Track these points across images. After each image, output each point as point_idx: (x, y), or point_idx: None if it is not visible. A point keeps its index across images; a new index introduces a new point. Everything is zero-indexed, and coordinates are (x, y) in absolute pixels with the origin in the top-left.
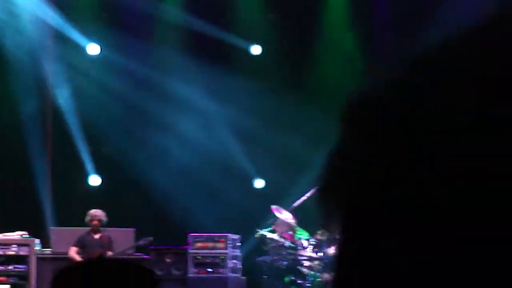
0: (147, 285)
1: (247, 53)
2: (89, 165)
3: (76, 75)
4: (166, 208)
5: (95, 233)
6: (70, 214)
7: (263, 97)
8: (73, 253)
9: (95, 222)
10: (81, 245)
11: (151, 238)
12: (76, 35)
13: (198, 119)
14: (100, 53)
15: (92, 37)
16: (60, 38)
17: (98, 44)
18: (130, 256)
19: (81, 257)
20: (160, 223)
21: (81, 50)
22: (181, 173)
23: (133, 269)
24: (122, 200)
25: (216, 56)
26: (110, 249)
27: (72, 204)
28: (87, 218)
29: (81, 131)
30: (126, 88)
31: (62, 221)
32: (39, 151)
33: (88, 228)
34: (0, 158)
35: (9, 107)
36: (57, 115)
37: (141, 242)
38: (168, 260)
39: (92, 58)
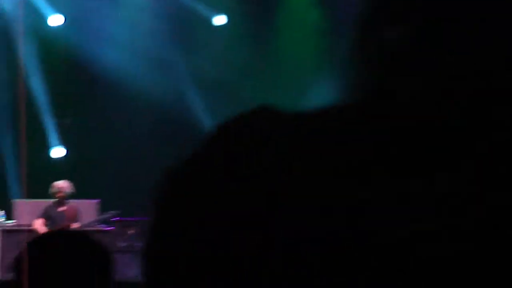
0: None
1: (209, 23)
2: (53, 136)
3: (41, 44)
4: (132, 180)
5: (61, 205)
6: (34, 186)
7: (225, 69)
8: (39, 225)
9: (60, 194)
10: (47, 217)
11: (116, 211)
12: (41, 5)
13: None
14: (65, 22)
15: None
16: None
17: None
18: (94, 228)
19: (47, 229)
20: (126, 195)
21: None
22: (145, 144)
23: (86, 241)
24: (87, 171)
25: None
26: (76, 221)
27: (36, 176)
28: (53, 190)
29: (46, 103)
30: (94, 57)
31: (25, 193)
32: (5, 123)
33: (54, 200)
34: None
35: None
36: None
37: (106, 215)
38: (131, 232)
39: (57, 28)
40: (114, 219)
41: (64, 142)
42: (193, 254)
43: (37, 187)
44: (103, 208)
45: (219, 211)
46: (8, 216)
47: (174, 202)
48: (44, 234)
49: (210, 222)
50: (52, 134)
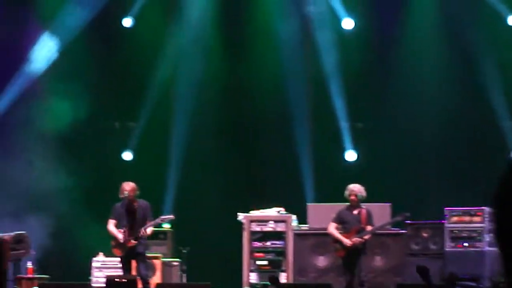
0: None
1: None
2: (346, 140)
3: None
4: (421, 182)
5: (354, 208)
6: (326, 190)
7: None
8: (333, 229)
9: (353, 197)
10: (340, 220)
11: (407, 214)
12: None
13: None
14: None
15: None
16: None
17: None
18: (386, 231)
19: (340, 233)
20: (416, 198)
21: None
22: (431, 147)
23: None
24: (377, 175)
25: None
26: (369, 224)
27: (329, 180)
28: (347, 193)
29: (341, 106)
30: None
31: (317, 197)
32: (302, 128)
33: (347, 204)
34: (266, 137)
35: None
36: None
37: (398, 218)
38: (424, 234)
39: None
40: (406, 221)
41: (356, 146)
42: None
43: (331, 191)
44: (394, 212)
45: None
46: (301, 220)
47: None
48: None
49: None
50: (346, 137)
